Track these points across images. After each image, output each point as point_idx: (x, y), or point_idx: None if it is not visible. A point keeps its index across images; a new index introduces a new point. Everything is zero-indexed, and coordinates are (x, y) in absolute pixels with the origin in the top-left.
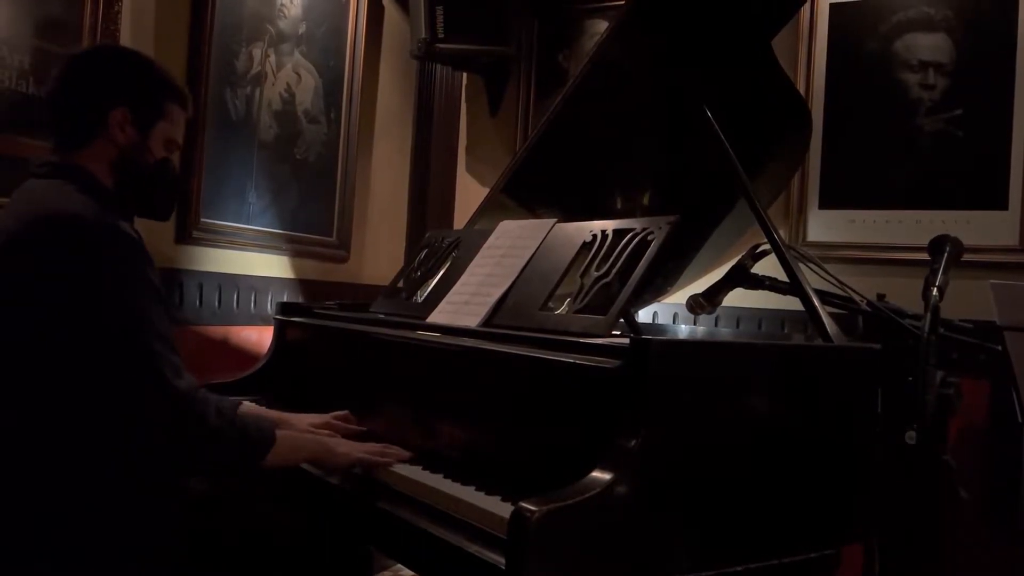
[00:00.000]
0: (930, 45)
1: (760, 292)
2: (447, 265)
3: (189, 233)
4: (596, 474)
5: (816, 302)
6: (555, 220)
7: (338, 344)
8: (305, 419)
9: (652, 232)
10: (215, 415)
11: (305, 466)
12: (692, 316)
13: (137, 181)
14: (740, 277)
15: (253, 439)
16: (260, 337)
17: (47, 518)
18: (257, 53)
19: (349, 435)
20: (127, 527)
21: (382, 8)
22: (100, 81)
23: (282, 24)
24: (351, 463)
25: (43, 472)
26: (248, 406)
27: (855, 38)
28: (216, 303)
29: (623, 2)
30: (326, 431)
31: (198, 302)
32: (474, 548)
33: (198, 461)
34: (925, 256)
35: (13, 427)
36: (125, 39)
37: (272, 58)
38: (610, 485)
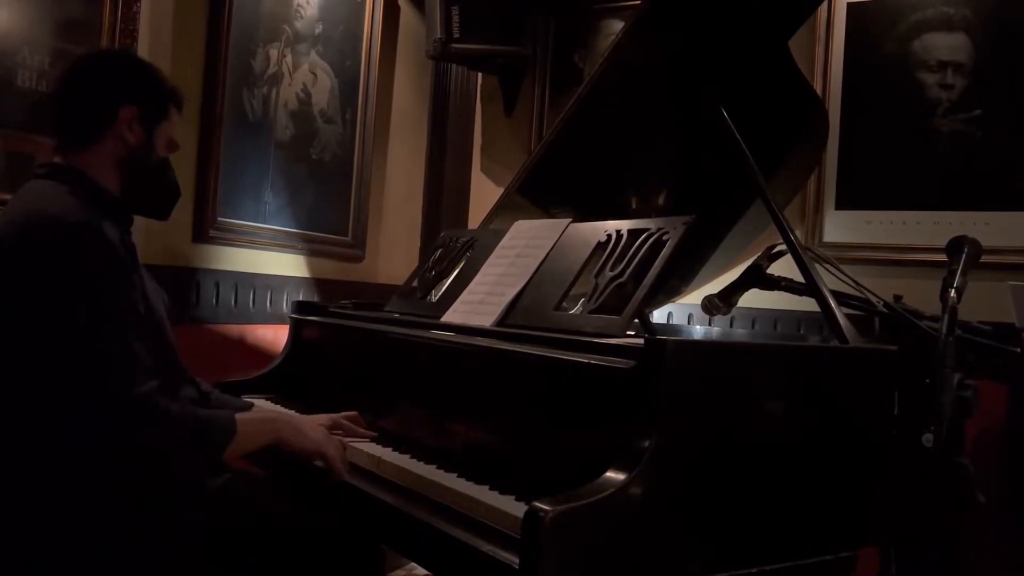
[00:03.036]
0: (949, 45)
1: (776, 293)
2: (461, 265)
3: (206, 232)
4: (610, 474)
5: (832, 303)
6: (570, 220)
7: (353, 343)
8: (314, 419)
9: (667, 232)
10: (167, 417)
11: (316, 462)
12: (707, 317)
13: (143, 179)
14: (756, 278)
15: (211, 433)
16: (276, 336)
17: (26, 521)
18: (274, 53)
19: (357, 436)
20: (121, 527)
21: (398, 8)
22: (110, 80)
23: (299, 24)
24: (319, 453)
25: (18, 476)
26: (261, 406)
27: (873, 38)
28: (232, 302)
29: (639, 2)
30: (338, 431)
31: (214, 301)
32: (488, 547)
33: (156, 461)
34: (943, 257)
35: None
36: (143, 39)
37: (289, 58)
38: (624, 485)
